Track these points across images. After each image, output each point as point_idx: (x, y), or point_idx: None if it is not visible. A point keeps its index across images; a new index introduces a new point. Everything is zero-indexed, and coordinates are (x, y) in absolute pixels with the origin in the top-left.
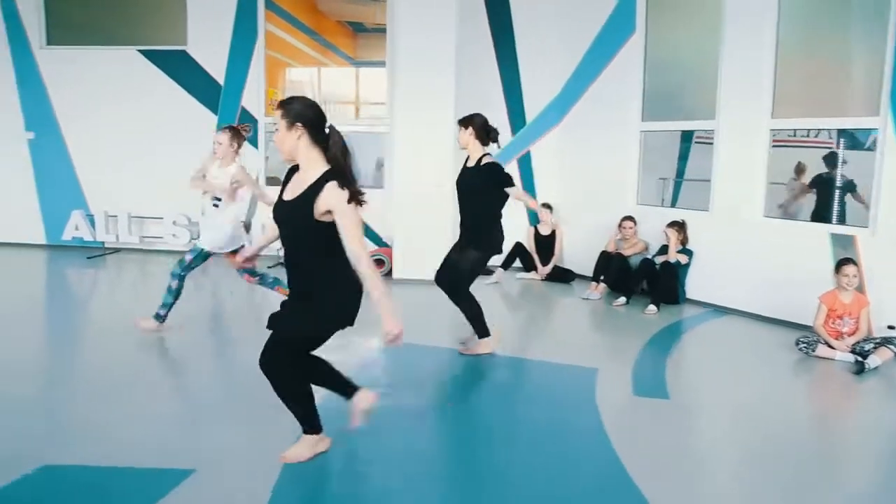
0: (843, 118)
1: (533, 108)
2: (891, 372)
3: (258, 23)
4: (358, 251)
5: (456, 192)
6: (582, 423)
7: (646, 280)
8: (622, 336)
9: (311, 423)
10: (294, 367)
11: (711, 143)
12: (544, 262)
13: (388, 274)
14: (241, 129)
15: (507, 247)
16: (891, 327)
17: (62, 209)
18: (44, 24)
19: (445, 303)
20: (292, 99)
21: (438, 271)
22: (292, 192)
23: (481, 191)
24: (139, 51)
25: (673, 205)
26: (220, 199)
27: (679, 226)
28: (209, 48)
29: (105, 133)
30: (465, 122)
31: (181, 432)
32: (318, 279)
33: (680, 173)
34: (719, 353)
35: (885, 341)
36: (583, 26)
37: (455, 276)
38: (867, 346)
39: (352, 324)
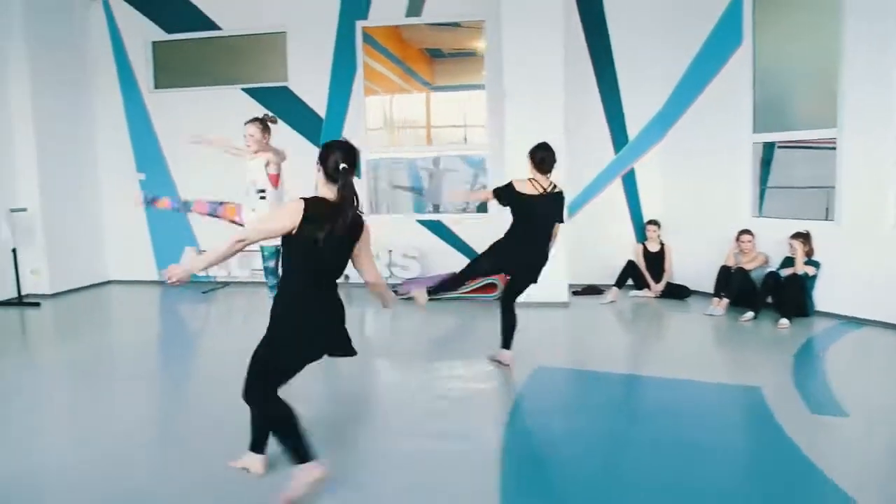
0: None
1: (634, 124)
2: None
3: (356, 56)
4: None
5: (526, 214)
6: (776, 445)
7: (771, 294)
8: (765, 352)
9: (302, 454)
10: (266, 395)
11: (796, 149)
12: (656, 280)
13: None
14: (267, 119)
15: (619, 264)
16: None
17: (173, 245)
18: (152, 70)
19: (569, 324)
20: (331, 143)
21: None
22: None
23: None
24: (243, 89)
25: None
26: (264, 191)
27: (804, 237)
28: (309, 83)
29: (211, 170)
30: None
31: None
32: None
33: (763, 180)
34: (873, 366)
35: None
36: (683, 40)
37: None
38: None
39: (317, 355)
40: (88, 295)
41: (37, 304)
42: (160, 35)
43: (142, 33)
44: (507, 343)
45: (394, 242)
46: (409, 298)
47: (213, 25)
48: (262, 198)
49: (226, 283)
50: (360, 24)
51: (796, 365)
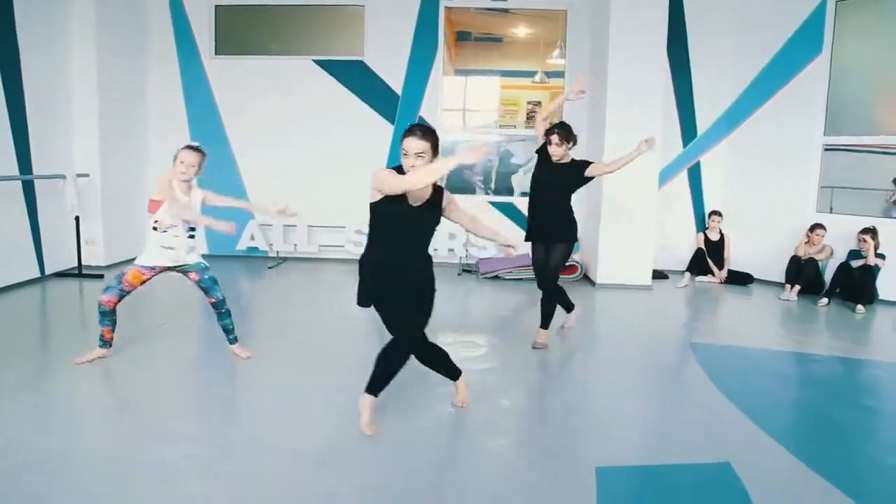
0: None
1: (704, 119)
2: None
3: (438, 35)
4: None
5: (537, 188)
6: None
7: (840, 283)
8: (866, 332)
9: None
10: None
11: (841, 151)
12: (718, 267)
13: (585, 278)
14: (202, 149)
15: (689, 252)
16: None
17: (236, 221)
18: (213, 35)
19: (670, 304)
20: (432, 130)
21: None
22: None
23: (571, 184)
24: (314, 61)
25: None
26: (194, 228)
27: (872, 232)
28: (386, 59)
29: (276, 142)
30: (571, 138)
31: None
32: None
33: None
34: None
35: None
36: (762, 41)
37: (555, 275)
38: None
39: (365, 303)
40: None
41: (100, 276)
42: None
43: None
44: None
45: None
46: (493, 278)
47: None
48: (192, 236)
49: (284, 259)
50: (443, 4)
51: None
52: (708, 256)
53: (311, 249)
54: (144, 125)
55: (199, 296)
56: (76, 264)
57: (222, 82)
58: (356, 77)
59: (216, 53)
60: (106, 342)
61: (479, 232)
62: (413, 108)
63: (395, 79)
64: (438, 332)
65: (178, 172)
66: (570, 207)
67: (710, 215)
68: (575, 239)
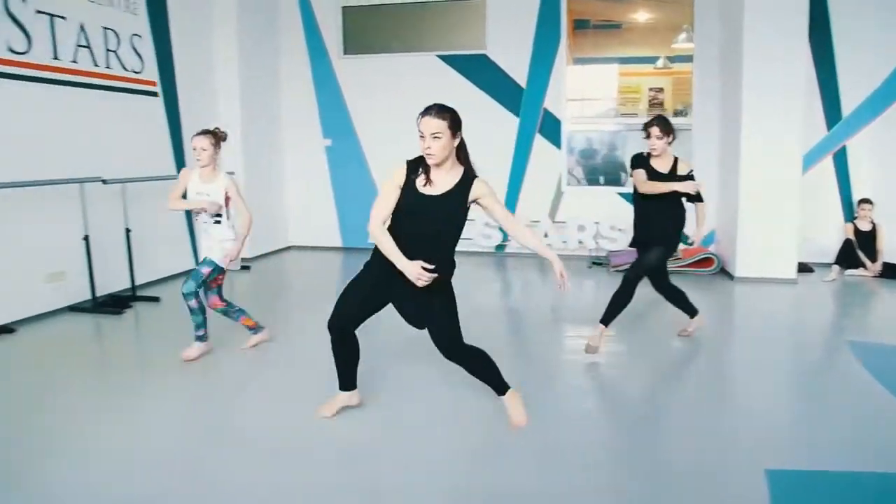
0: None
1: (850, 102)
2: None
3: (560, 26)
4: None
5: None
6: None
7: None
8: None
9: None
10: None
11: None
12: (871, 259)
13: (722, 271)
14: (219, 133)
15: (835, 244)
16: None
17: (355, 212)
18: (341, 35)
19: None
20: (450, 108)
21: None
22: (435, 188)
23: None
24: (438, 56)
25: None
26: (220, 215)
27: None
28: (509, 51)
29: (402, 136)
30: (670, 131)
31: None
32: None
33: None
34: None
35: None
36: None
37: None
38: None
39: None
40: (278, 260)
41: (247, 268)
42: (351, 0)
43: None
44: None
45: (599, 214)
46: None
47: None
48: (217, 222)
49: None
50: None
51: None
52: (859, 248)
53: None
54: (279, 122)
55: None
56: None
57: (350, 80)
58: (480, 70)
59: (344, 53)
60: (254, 328)
61: (522, 242)
62: (537, 100)
63: (518, 71)
64: (570, 325)
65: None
66: (675, 212)
67: (859, 203)
68: (674, 245)
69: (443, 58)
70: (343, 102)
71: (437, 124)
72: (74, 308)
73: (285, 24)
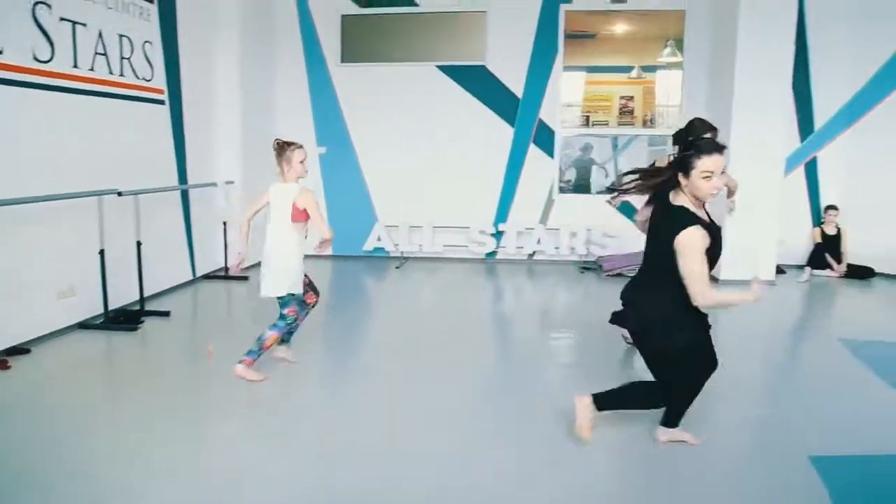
0: None
1: (822, 114)
2: None
3: (558, 39)
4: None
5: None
6: None
7: None
8: None
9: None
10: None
11: None
12: (837, 261)
13: None
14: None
15: (805, 248)
16: None
17: (354, 221)
18: (339, 43)
19: (799, 299)
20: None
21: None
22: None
23: None
24: (438, 66)
25: None
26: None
27: None
28: (507, 63)
29: (399, 145)
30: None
31: None
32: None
33: None
34: None
35: None
36: (882, 32)
37: None
38: None
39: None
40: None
41: (245, 278)
42: (351, 9)
43: (333, 5)
44: None
45: (589, 221)
46: (616, 276)
47: (409, 2)
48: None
49: (405, 258)
50: (563, 8)
51: None
52: (826, 251)
53: (436, 249)
54: (275, 131)
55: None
56: (222, 266)
57: (347, 89)
58: (478, 81)
59: (342, 61)
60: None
61: None
62: (533, 110)
63: (515, 82)
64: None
65: (300, 172)
66: None
67: (826, 210)
68: None
69: (442, 68)
70: (339, 110)
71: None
72: (85, 325)
73: (284, 31)
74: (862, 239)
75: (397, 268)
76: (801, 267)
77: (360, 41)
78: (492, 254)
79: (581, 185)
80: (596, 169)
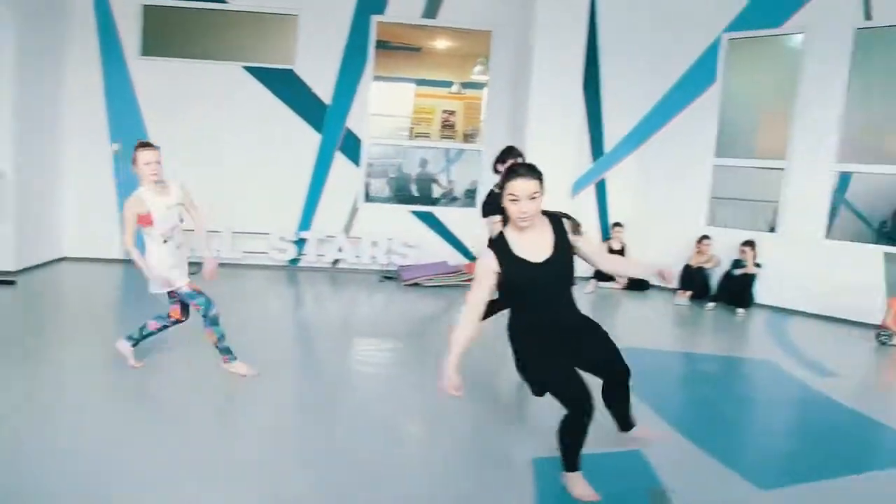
0: None
1: (611, 139)
2: None
3: (368, 49)
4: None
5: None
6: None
7: (724, 289)
8: (744, 333)
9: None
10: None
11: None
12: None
13: None
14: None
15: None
16: None
17: None
18: (140, 35)
19: (587, 308)
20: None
21: None
22: (538, 253)
23: None
24: (245, 67)
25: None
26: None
27: (752, 244)
28: (316, 69)
29: (201, 147)
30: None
31: None
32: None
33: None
34: (822, 341)
35: None
36: (665, 69)
37: None
38: None
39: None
40: (50, 273)
41: (12, 283)
42: None
43: None
44: None
45: (392, 231)
46: (413, 285)
47: None
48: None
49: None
50: (375, 18)
51: (774, 342)
52: None
53: (235, 255)
54: (62, 126)
55: None
56: None
57: (147, 84)
58: (285, 85)
59: (142, 54)
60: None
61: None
62: (340, 118)
63: (323, 89)
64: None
65: (148, 175)
66: None
67: (613, 226)
68: None
69: (249, 69)
70: (137, 106)
71: (535, 185)
72: None
73: (77, 20)
74: (643, 253)
75: (192, 274)
76: (587, 279)
77: (164, 34)
78: (295, 261)
79: (403, 197)
80: (417, 181)
